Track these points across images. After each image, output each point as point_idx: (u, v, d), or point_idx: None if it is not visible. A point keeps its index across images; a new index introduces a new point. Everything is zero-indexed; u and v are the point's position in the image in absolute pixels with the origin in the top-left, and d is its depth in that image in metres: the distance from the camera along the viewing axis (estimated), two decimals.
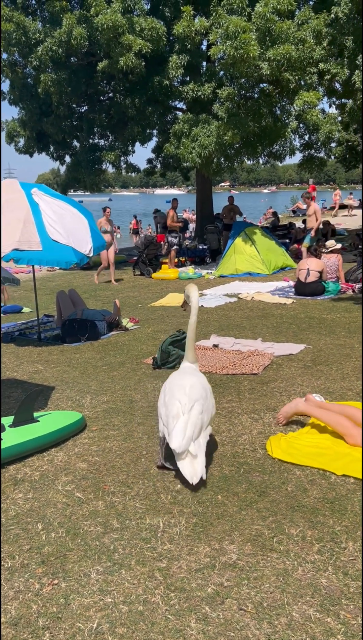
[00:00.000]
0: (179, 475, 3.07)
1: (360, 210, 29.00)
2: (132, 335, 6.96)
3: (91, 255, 6.48)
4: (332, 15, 11.12)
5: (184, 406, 3.10)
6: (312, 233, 11.94)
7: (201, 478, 2.93)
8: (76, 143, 15.62)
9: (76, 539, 2.53)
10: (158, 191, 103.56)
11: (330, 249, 9.46)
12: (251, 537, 2.48)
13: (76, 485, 3.06)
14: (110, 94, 14.64)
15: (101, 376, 5.20)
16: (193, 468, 2.96)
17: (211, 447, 3.44)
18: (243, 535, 2.50)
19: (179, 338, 5.43)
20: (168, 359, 5.35)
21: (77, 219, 6.54)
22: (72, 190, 17.15)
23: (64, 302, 7.59)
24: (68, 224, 6.36)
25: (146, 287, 11.10)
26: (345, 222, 22.38)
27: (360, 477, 3.00)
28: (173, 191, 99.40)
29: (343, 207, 30.81)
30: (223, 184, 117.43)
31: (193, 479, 2.92)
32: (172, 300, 9.35)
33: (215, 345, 6.16)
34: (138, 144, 15.15)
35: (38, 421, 3.78)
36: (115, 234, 28.85)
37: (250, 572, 2.24)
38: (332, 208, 31.43)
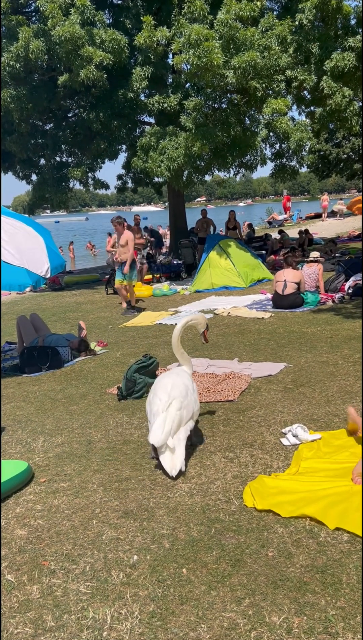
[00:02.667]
0: (135, 544, 2.52)
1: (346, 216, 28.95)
2: (99, 360, 6.40)
3: (48, 276, 5.95)
4: (297, 22, 10.89)
5: (163, 403, 3.36)
6: (126, 268, 9.22)
7: (181, 470, 3.20)
8: (43, 161, 15.13)
9: None
10: (135, 208, 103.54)
11: (312, 259, 9.06)
12: (222, 632, 1.93)
13: (10, 563, 2.48)
14: (74, 110, 14.22)
15: (59, 412, 4.63)
16: (171, 462, 3.23)
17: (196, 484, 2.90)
18: (212, 629, 1.95)
19: (146, 364, 4.90)
20: (134, 387, 4.81)
21: (32, 238, 6.02)
22: (48, 211, 16.60)
23: (25, 328, 6.99)
24: (21, 243, 5.83)
25: (119, 306, 10.54)
26: (321, 231, 22.20)
27: (358, 531, 2.48)
28: (150, 208, 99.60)
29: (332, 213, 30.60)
30: (199, 199, 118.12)
31: (172, 472, 3.19)
32: (145, 320, 8.82)
33: None
34: (106, 160, 14.72)
35: None
36: (92, 252, 28.36)
37: None
38: (318, 216, 31.26)
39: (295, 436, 3.53)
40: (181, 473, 3.21)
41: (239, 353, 6.09)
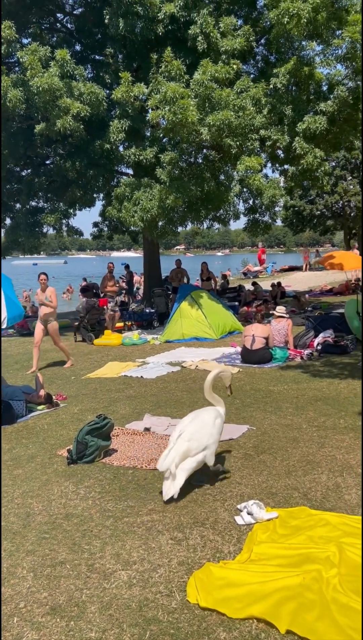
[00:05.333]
0: None
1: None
2: (55, 416, 6.07)
3: (4, 326, 5.71)
4: (271, 86, 11.31)
5: (176, 434, 3.77)
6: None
7: (172, 497, 3.56)
8: (19, 205, 15.08)
9: None
10: (115, 254, 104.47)
11: (278, 315, 8.98)
12: None
13: None
14: (52, 157, 14.33)
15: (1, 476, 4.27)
16: (167, 487, 3.59)
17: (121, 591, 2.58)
18: None
19: (99, 425, 4.60)
20: (85, 451, 4.49)
21: None
22: (27, 254, 16.45)
23: None
24: None
25: (86, 354, 10.25)
26: (294, 284, 22.47)
27: (310, 636, 2.21)
28: (130, 254, 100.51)
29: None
30: (178, 247, 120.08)
31: (165, 497, 3.59)
32: (110, 371, 8.53)
33: (147, 429, 5.35)
34: (82, 207, 14.76)
35: None
36: (65, 297, 28.05)
37: None
38: (292, 268, 31.71)
39: (250, 514, 3.27)
40: (172, 499, 3.56)
41: None
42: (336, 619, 2.28)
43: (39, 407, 6.37)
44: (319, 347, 8.74)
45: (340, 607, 2.32)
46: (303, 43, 11.47)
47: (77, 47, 14.69)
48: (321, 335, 9.05)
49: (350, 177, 30.18)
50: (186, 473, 3.64)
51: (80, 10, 14.84)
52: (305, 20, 10.04)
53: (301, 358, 8.46)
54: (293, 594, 2.45)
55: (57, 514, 3.52)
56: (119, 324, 13.03)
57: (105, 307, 12.76)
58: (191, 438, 3.70)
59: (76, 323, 12.40)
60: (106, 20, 11.65)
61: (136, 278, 22.04)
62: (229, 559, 2.86)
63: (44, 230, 14.37)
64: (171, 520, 3.35)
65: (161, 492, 3.69)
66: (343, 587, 2.43)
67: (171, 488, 3.57)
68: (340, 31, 10.92)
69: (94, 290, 13.71)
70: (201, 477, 3.93)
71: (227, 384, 4.53)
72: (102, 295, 13.25)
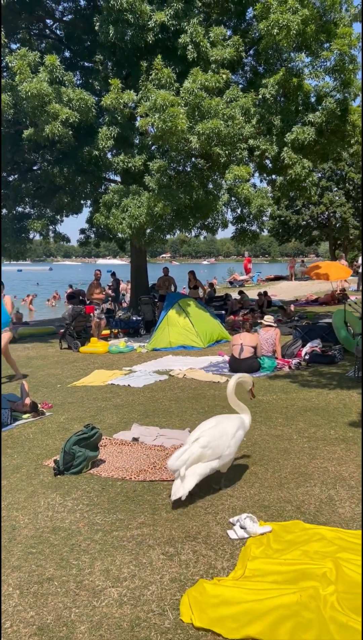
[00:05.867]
0: None
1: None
2: (41, 425, 5.93)
3: None
4: (260, 96, 11.39)
5: (193, 437, 3.74)
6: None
7: (180, 498, 3.53)
8: (5, 211, 14.91)
9: None
10: (100, 261, 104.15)
11: (266, 324, 8.97)
12: None
13: None
14: (40, 163, 14.22)
15: None
16: (176, 488, 3.55)
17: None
18: None
19: (87, 435, 4.50)
20: (73, 461, 4.38)
21: None
22: (13, 260, 16.29)
23: None
24: None
25: (72, 362, 10.11)
26: (280, 293, 22.55)
27: None
28: (115, 261, 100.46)
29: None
30: (164, 255, 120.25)
31: (172, 497, 3.57)
32: (96, 379, 8.41)
33: (135, 439, 5.25)
34: (69, 214, 14.65)
35: None
36: (50, 303, 27.83)
37: None
38: (278, 278, 31.88)
39: (243, 528, 3.19)
40: (179, 500, 3.53)
41: (191, 422, 5.76)
42: (335, 639, 2.21)
43: (24, 416, 6.24)
44: (307, 357, 8.73)
45: (339, 627, 2.26)
46: (292, 54, 11.59)
47: (67, 54, 14.65)
48: (309, 344, 9.05)
49: (335, 189, 30.54)
50: (197, 477, 3.60)
51: (70, 17, 14.82)
52: (294, 32, 10.14)
53: (290, 367, 8.44)
54: (290, 612, 2.38)
55: (43, 528, 3.40)
56: (106, 332, 12.92)
57: (91, 314, 12.64)
58: (206, 445, 3.65)
59: (62, 330, 12.26)
60: (96, 28, 11.63)
61: (122, 285, 21.95)
62: (223, 575, 2.78)
63: (31, 236, 14.22)
64: (161, 534, 3.25)
65: (169, 495, 3.65)
66: (341, 606, 2.36)
67: (180, 489, 3.52)
68: (328, 44, 11.07)
69: (81, 297, 13.58)
70: (226, 482, 3.96)
71: (248, 388, 4.46)
72: (88, 302, 13.13)
